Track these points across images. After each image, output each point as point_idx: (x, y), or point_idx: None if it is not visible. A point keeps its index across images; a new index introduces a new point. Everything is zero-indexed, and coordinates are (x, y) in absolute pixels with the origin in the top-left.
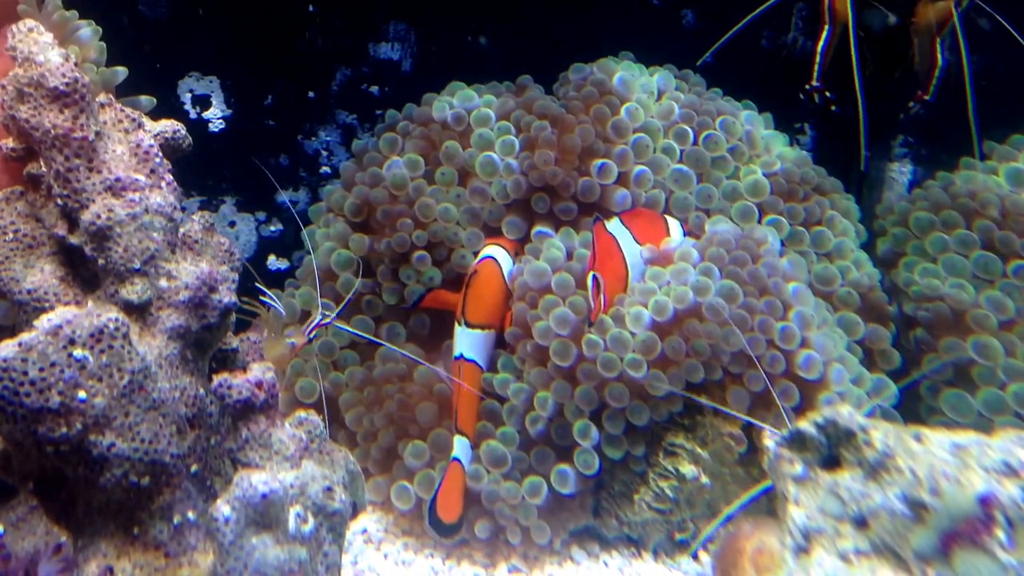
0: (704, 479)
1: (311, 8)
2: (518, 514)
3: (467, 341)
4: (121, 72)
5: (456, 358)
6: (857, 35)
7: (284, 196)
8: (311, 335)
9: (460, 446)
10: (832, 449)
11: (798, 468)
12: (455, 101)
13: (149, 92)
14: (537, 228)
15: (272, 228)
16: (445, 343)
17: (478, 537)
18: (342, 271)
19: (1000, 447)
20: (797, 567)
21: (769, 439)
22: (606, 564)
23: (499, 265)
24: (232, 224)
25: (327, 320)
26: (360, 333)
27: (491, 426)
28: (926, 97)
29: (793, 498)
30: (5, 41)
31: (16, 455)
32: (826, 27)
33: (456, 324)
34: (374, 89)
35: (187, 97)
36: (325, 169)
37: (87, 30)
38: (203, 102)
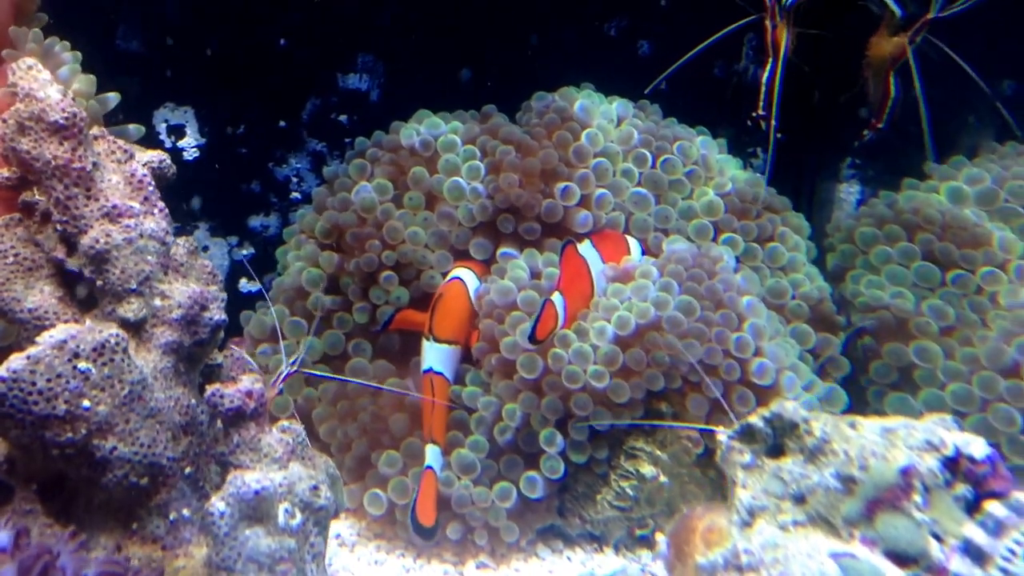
0: (663, 478)
1: (282, 42)
2: (488, 516)
3: (435, 355)
4: (113, 98)
5: (425, 371)
6: (803, 67)
7: (256, 221)
8: (280, 387)
9: (432, 454)
10: (777, 439)
11: (747, 457)
12: (422, 128)
13: (126, 122)
14: (502, 249)
15: (244, 252)
16: (413, 359)
17: (450, 538)
18: (312, 289)
19: (924, 428)
20: (741, 537)
21: (722, 434)
22: (569, 559)
23: (466, 285)
24: (205, 248)
25: (293, 369)
26: (329, 376)
27: (461, 435)
28: (879, 126)
29: (741, 482)
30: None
31: (21, 458)
32: (770, 60)
33: (424, 339)
34: (343, 118)
35: (162, 127)
36: (295, 195)
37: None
38: (178, 131)
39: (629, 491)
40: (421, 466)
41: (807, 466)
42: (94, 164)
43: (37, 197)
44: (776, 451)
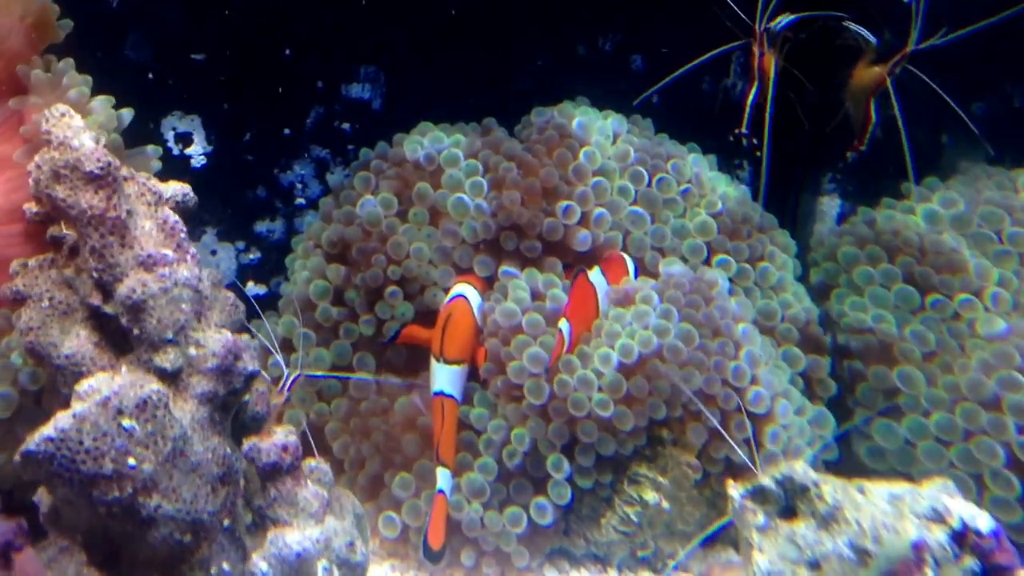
0: (665, 504)
1: (288, 52)
2: (500, 542)
3: (445, 377)
4: (127, 115)
5: (436, 394)
6: (788, 92)
7: (262, 226)
8: (288, 393)
9: (443, 477)
10: (789, 501)
11: (760, 518)
12: (426, 142)
13: (134, 130)
14: (503, 267)
15: (251, 256)
16: (423, 374)
17: (463, 565)
18: (320, 300)
19: (929, 495)
20: None
21: (733, 490)
22: None
23: (469, 303)
24: (213, 252)
25: (298, 374)
26: (335, 375)
27: (470, 457)
28: (861, 148)
29: (757, 545)
30: (6, 107)
31: (67, 512)
32: (755, 83)
33: (434, 360)
34: (346, 126)
35: (170, 135)
36: (300, 200)
37: (97, 102)
38: (185, 139)
39: (633, 517)
40: (433, 488)
41: (820, 532)
42: (128, 212)
43: (65, 232)
44: (788, 512)
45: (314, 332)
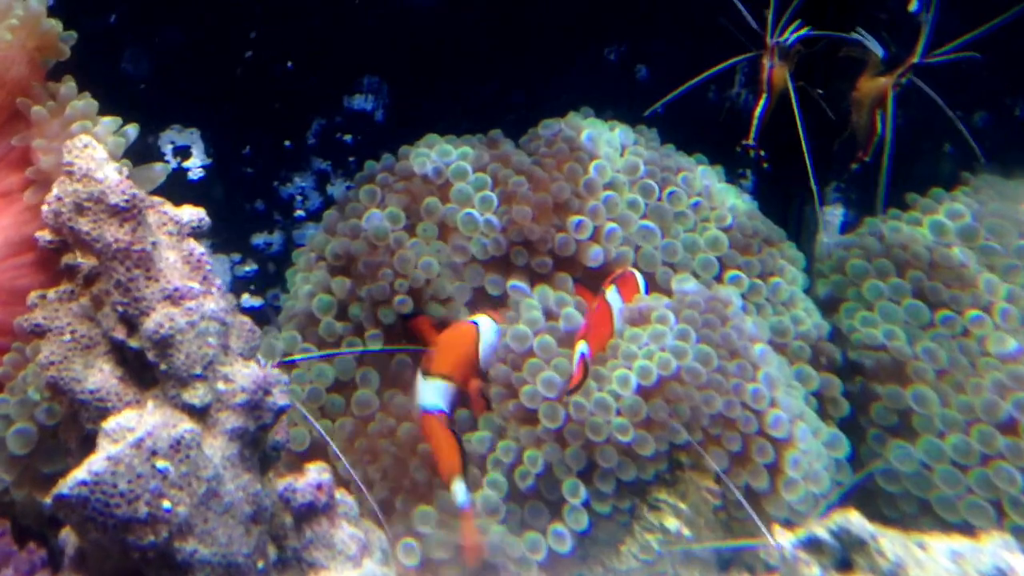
0: (686, 531)
1: (289, 65)
2: (521, 570)
3: (429, 391)
4: (132, 132)
5: (423, 410)
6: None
7: (259, 239)
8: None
9: (460, 491)
10: (845, 553)
11: (816, 572)
12: (433, 155)
13: (133, 144)
14: (512, 282)
15: (247, 268)
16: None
17: None
18: (324, 315)
19: (990, 552)
20: None
21: (782, 539)
22: None
23: (479, 333)
24: None
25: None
26: (316, 355)
27: (477, 472)
28: (866, 159)
29: None
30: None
31: (95, 555)
32: (764, 95)
33: (419, 375)
34: (347, 138)
35: (168, 148)
36: (300, 213)
37: (107, 118)
38: (184, 152)
39: (654, 544)
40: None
41: None
42: (153, 244)
43: (80, 260)
44: (845, 566)
45: (317, 348)
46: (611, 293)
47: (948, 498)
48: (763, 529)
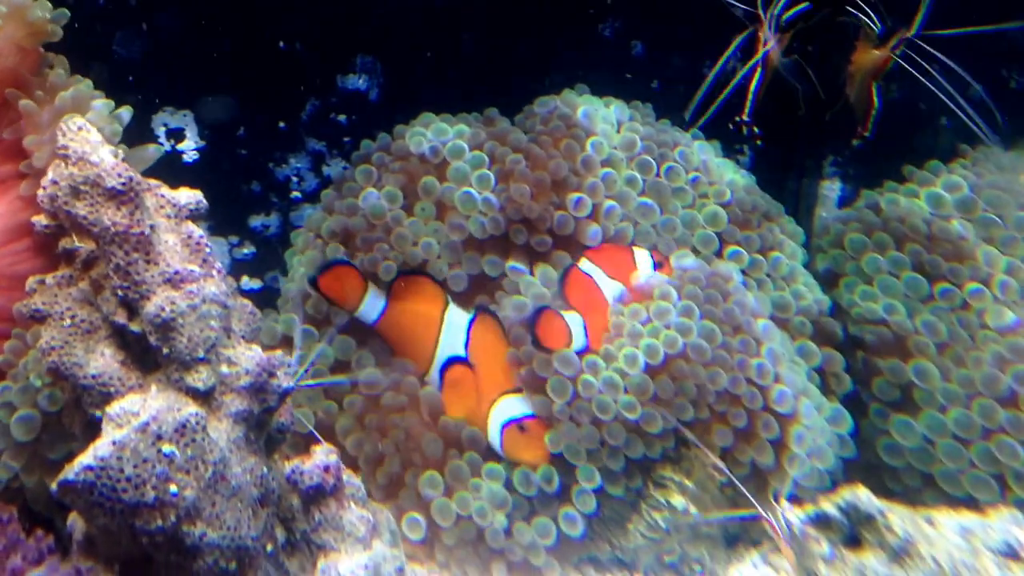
0: (692, 509)
1: (282, 44)
2: (530, 556)
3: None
4: (126, 114)
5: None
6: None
7: (257, 221)
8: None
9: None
10: (854, 530)
11: (825, 548)
12: (429, 134)
13: (126, 127)
14: (510, 264)
15: (245, 251)
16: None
17: None
18: None
19: (999, 527)
20: None
21: (791, 514)
22: None
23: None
24: None
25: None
26: (332, 381)
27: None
28: (866, 134)
29: None
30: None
31: (104, 541)
32: (759, 71)
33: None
34: (342, 118)
35: (161, 131)
36: (296, 194)
37: (100, 102)
38: (177, 135)
39: (661, 523)
40: (466, 489)
41: (892, 566)
42: (151, 227)
43: (77, 244)
44: (853, 542)
45: (315, 328)
46: (584, 264)
47: (951, 472)
48: (760, 508)
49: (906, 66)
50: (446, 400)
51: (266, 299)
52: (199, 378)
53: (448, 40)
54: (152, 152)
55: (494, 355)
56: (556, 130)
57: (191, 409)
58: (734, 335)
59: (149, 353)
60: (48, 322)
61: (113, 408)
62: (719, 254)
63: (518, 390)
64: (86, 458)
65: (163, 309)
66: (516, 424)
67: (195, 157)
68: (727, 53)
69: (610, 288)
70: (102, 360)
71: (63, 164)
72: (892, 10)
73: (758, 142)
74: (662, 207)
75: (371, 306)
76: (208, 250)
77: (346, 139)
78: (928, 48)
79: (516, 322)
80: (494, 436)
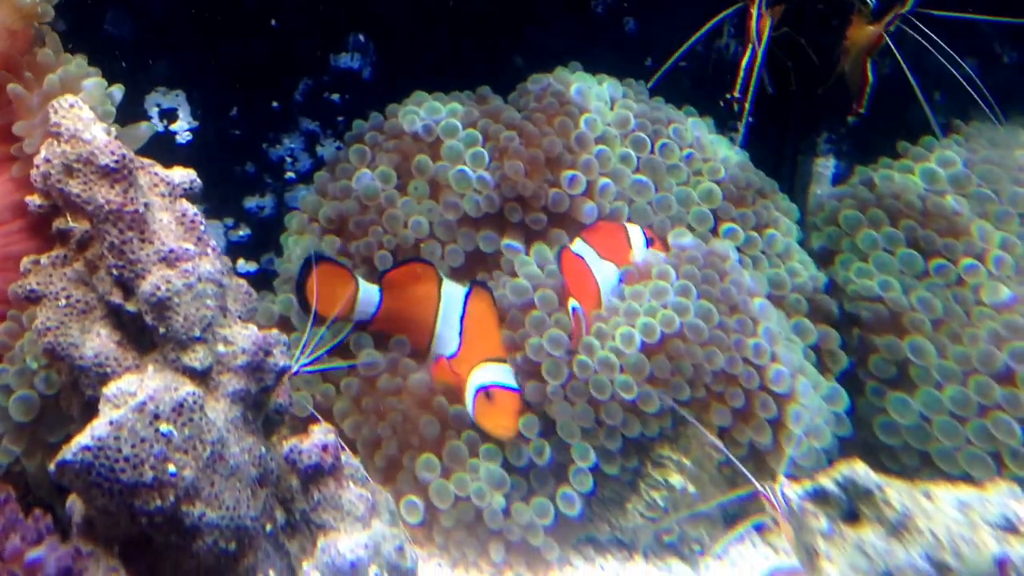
0: (691, 488)
1: (274, 23)
2: (528, 536)
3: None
4: (117, 93)
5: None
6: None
7: (251, 202)
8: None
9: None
10: (852, 505)
11: (823, 523)
12: (422, 112)
13: (118, 107)
14: (506, 242)
15: (240, 233)
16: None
17: (493, 562)
18: None
19: (997, 502)
20: None
21: (789, 490)
22: (603, 568)
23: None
24: None
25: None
26: (332, 366)
27: (477, 436)
28: (861, 111)
29: (825, 554)
30: None
31: (103, 522)
32: (750, 46)
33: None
34: (335, 97)
35: (154, 111)
36: (290, 175)
37: (92, 81)
38: (170, 115)
39: (660, 501)
40: (463, 471)
41: (890, 540)
42: (145, 205)
43: (71, 224)
44: (851, 517)
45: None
46: (578, 244)
47: (947, 450)
48: (757, 484)
49: (893, 47)
50: (434, 370)
51: (263, 282)
52: (196, 357)
53: (440, 18)
54: (144, 130)
55: (486, 325)
56: (549, 107)
57: (188, 388)
58: (731, 315)
59: (145, 333)
60: (43, 303)
61: (110, 388)
62: (714, 231)
63: (501, 359)
64: (83, 438)
65: (159, 288)
66: (483, 392)
67: (188, 138)
68: (710, 23)
69: (602, 269)
70: (98, 340)
71: (55, 142)
72: None
73: (750, 119)
74: (657, 184)
75: (366, 304)
76: (203, 228)
77: (340, 119)
78: (921, 25)
79: (514, 306)
80: (468, 401)
